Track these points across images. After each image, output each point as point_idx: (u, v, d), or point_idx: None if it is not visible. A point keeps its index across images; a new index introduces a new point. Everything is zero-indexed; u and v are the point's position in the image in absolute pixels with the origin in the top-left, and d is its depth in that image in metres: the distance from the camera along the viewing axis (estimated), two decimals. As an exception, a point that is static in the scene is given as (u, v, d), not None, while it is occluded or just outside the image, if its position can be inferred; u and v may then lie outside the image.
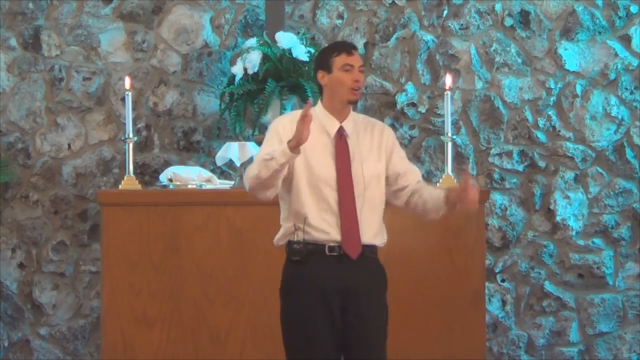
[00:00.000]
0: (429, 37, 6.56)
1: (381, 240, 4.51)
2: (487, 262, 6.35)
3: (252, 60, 6.11)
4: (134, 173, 5.88)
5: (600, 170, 6.57)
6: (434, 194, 4.49)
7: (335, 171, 4.41)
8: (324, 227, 4.38)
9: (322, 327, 4.37)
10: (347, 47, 4.49)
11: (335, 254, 4.39)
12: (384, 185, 4.51)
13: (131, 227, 5.54)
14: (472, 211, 4.53)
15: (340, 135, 4.45)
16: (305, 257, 4.40)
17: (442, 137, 5.99)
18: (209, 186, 5.84)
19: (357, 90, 4.44)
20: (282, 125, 4.45)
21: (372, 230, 4.46)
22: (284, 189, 4.43)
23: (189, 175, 5.87)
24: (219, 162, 5.91)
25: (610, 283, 6.57)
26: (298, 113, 4.30)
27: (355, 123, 4.52)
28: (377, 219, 4.49)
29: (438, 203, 4.46)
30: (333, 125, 4.46)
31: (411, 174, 4.56)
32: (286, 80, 6.15)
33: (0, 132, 6.51)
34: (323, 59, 4.49)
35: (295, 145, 4.20)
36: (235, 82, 6.18)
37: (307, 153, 4.37)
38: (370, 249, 4.46)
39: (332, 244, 4.39)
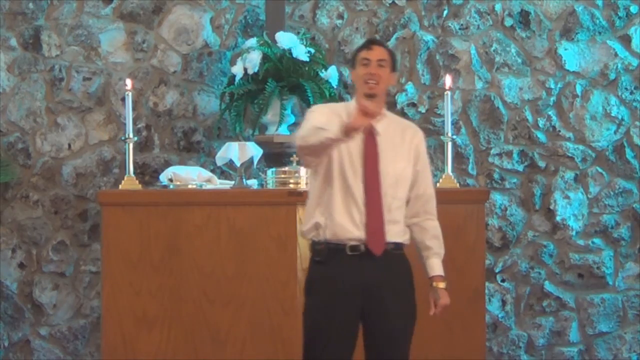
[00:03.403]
0: (429, 37, 6.55)
1: (404, 238, 4.51)
2: (487, 262, 6.34)
3: (252, 60, 6.11)
4: (134, 173, 5.88)
5: (600, 170, 6.57)
6: (427, 260, 4.57)
7: (362, 168, 4.40)
8: (348, 224, 4.37)
9: (339, 328, 4.38)
10: (368, 43, 4.53)
11: (357, 253, 4.39)
12: (408, 187, 4.51)
13: (131, 227, 5.54)
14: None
15: (370, 133, 4.42)
16: (326, 257, 4.41)
17: (442, 137, 5.99)
18: (209, 186, 5.84)
19: (372, 84, 4.41)
20: (326, 108, 4.50)
21: (397, 228, 4.46)
22: (315, 175, 4.44)
23: (189, 175, 5.86)
24: (219, 162, 5.90)
25: (610, 283, 6.57)
26: (335, 105, 4.49)
27: (389, 122, 4.50)
28: (401, 218, 4.49)
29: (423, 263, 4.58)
30: None
31: (422, 198, 4.55)
32: (286, 80, 6.15)
33: (0, 132, 6.51)
34: (352, 58, 4.55)
35: (347, 130, 4.13)
36: (235, 82, 6.18)
37: (341, 147, 4.36)
38: (396, 245, 4.46)
39: (354, 243, 4.39)
